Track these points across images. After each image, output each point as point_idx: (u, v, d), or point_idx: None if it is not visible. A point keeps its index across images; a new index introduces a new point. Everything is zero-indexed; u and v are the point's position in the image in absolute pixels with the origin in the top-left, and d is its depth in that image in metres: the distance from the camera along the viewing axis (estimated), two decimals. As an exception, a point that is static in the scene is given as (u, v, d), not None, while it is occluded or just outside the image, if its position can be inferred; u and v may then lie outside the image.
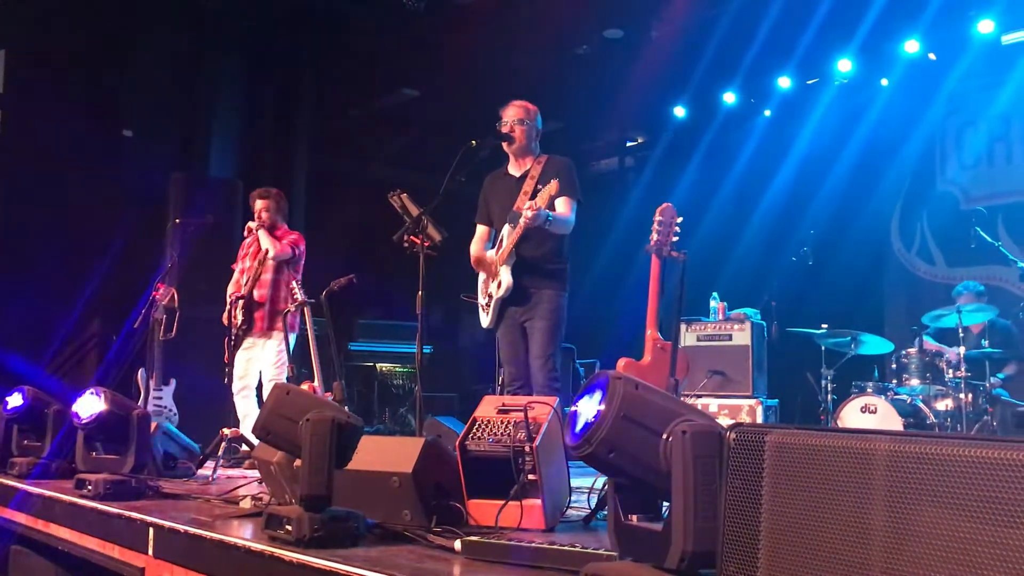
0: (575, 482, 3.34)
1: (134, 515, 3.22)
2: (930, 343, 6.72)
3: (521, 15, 8.28)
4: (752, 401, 6.65)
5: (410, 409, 8.88)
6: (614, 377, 1.93)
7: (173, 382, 7.13)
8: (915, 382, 6.53)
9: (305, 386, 5.39)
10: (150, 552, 3.07)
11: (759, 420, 6.54)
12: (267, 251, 5.97)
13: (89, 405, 3.92)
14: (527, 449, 3.00)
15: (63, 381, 7.62)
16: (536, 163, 4.77)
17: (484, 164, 4.83)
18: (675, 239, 4.38)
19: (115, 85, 8.61)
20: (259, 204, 6.16)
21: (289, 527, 2.57)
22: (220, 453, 5.15)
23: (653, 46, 8.71)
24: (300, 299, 5.73)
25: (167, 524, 3.01)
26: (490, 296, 4.69)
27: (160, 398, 7.02)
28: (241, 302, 5.91)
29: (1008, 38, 7.86)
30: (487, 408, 3.27)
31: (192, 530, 2.89)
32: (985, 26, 7.66)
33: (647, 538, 1.91)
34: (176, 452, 4.75)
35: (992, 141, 8.26)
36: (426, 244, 4.43)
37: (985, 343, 6.53)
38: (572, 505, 3.30)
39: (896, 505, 1.43)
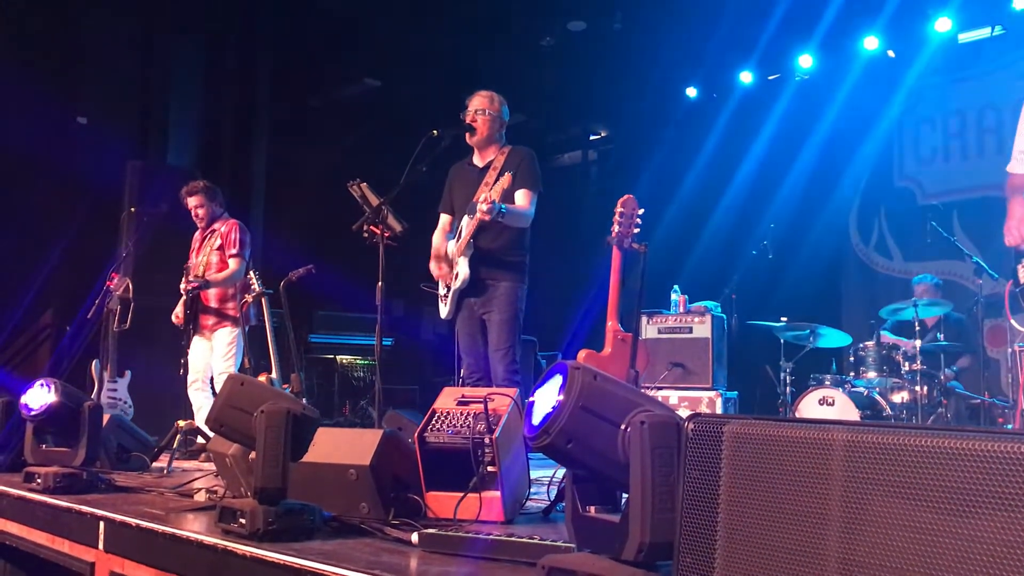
0: (535, 474, 3.33)
1: (84, 509, 3.15)
2: (887, 336, 6.81)
3: (485, 5, 8.24)
4: (712, 393, 6.69)
5: (370, 402, 8.81)
6: (573, 367, 1.91)
7: (128, 374, 7.02)
8: (872, 375, 6.61)
9: (262, 378, 5.33)
10: (100, 546, 3.00)
11: (718, 412, 6.57)
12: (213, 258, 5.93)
13: (39, 397, 3.83)
14: (486, 441, 2.98)
15: (14, 373, 7.47)
16: (500, 154, 4.75)
17: (447, 154, 4.79)
18: (636, 231, 4.38)
19: (69, 71, 8.43)
20: (192, 202, 6.11)
21: (243, 520, 2.52)
22: (175, 445, 5.07)
23: (616, 39, 8.71)
24: (257, 290, 5.66)
25: (118, 518, 2.95)
26: (449, 287, 4.66)
27: (114, 390, 6.90)
28: (191, 296, 5.85)
29: (965, 36, 7.97)
30: (446, 400, 3.24)
31: (144, 524, 2.83)
32: (943, 24, 7.76)
33: (605, 530, 1.90)
34: (130, 444, 4.67)
35: (949, 138, 8.37)
36: (386, 235, 4.39)
37: (940, 336, 6.63)
38: (532, 497, 3.29)
39: (853, 495, 1.43)
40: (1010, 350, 6.41)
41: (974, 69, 7.92)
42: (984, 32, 7.84)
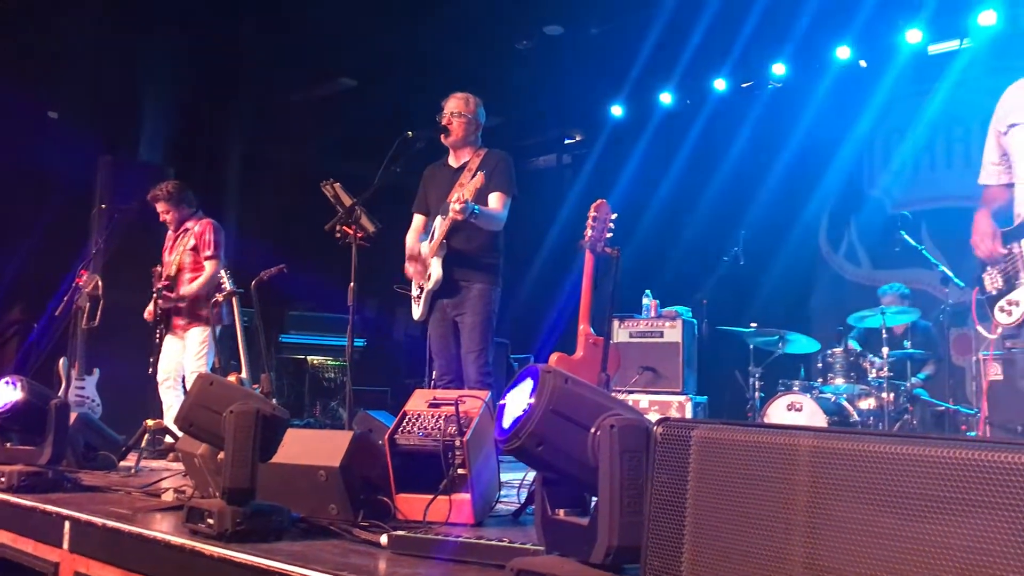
0: (505, 476, 3.34)
1: (49, 508, 3.11)
2: (852, 347, 6.88)
3: (462, 7, 8.24)
4: (682, 397, 6.74)
5: (341, 403, 8.79)
6: (544, 371, 1.92)
7: (96, 371, 6.94)
8: (840, 381, 6.68)
9: (232, 378, 5.30)
10: (65, 546, 2.97)
11: (688, 416, 6.62)
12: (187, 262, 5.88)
13: (4, 394, 3.79)
14: (457, 443, 2.98)
15: (-21, 370, 7.36)
16: (476, 156, 4.75)
17: (422, 155, 4.79)
18: (609, 235, 4.40)
19: (39, 65, 8.32)
20: (160, 208, 6.06)
21: (211, 521, 2.51)
22: (143, 445, 5.02)
23: (592, 44, 8.74)
24: (229, 289, 5.63)
25: (84, 517, 2.92)
26: (422, 288, 4.66)
27: (82, 388, 6.83)
28: (163, 299, 5.81)
29: (935, 48, 8.08)
30: (418, 402, 3.24)
31: (110, 523, 2.80)
32: (913, 36, 7.86)
33: (574, 532, 1.91)
34: (97, 443, 4.62)
35: (918, 149, 8.48)
36: (359, 235, 4.38)
37: (907, 344, 6.71)
38: (502, 499, 3.29)
39: (818, 500, 1.45)
40: (975, 358, 6.51)
41: (943, 81, 8.01)
42: (953, 45, 7.95)
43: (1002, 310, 3.15)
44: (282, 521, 2.61)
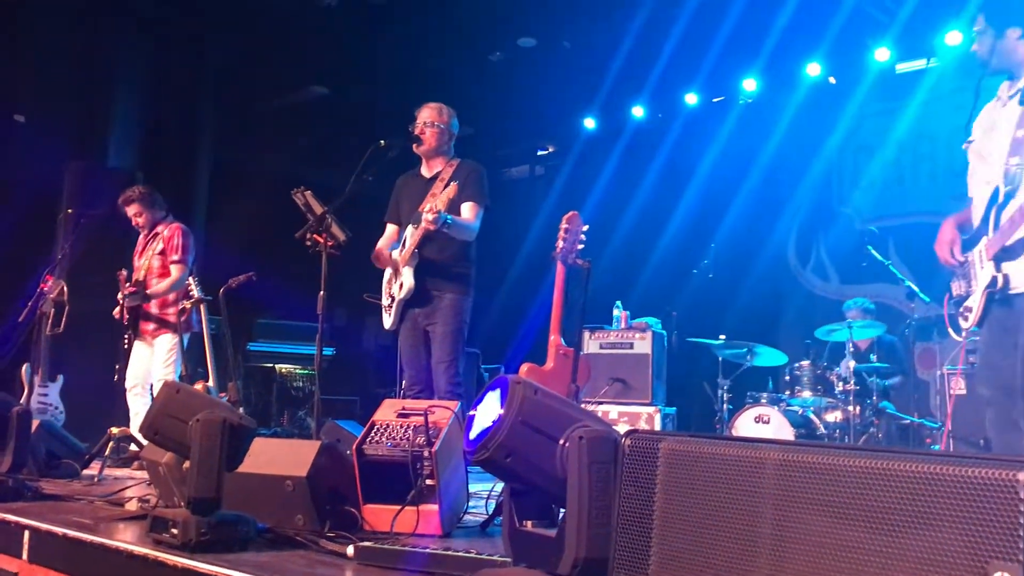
0: (474, 487, 3.33)
1: (8, 517, 3.06)
2: (821, 362, 6.94)
3: (436, 18, 8.25)
4: (651, 409, 6.76)
5: (309, 412, 8.71)
6: (514, 381, 1.93)
7: (60, 378, 6.85)
8: (807, 394, 6.74)
9: (198, 386, 5.25)
10: (24, 556, 2.92)
11: (657, 427, 6.64)
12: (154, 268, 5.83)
13: (-35, 401, 3.72)
14: (426, 454, 2.97)
15: (-60, 376, 7.23)
16: (448, 166, 4.76)
17: (394, 165, 4.78)
18: (581, 247, 4.42)
19: (7, 67, 8.21)
20: (130, 211, 6.02)
21: (175, 530, 2.48)
22: (107, 453, 4.96)
23: (565, 57, 8.78)
24: (196, 296, 5.58)
25: (44, 527, 2.87)
26: (393, 297, 4.64)
27: (45, 395, 6.73)
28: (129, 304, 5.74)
29: (902, 67, 8.21)
30: (387, 412, 3.23)
31: (71, 533, 2.76)
32: (882, 54, 7.98)
33: (541, 544, 1.91)
34: (60, 451, 4.56)
35: (886, 165, 8.59)
36: (329, 243, 4.36)
37: (873, 358, 6.78)
38: (470, 511, 3.29)
39: (784, 513, 1.46)
40: (939, 372, 6.60)
41: (911, 99, 8.14)
42: (920, 63, 8.08)
43: (962, 316, 3.27)
44: (248, 531, 2.59)
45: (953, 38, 7.47)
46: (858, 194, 8.83)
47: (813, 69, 8.36)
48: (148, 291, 5.77)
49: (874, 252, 6.77)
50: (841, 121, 8.66)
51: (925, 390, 7.13)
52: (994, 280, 3.09)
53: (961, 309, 3.30)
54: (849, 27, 7.67)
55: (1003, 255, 3.08)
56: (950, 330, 3.43)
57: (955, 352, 6.27)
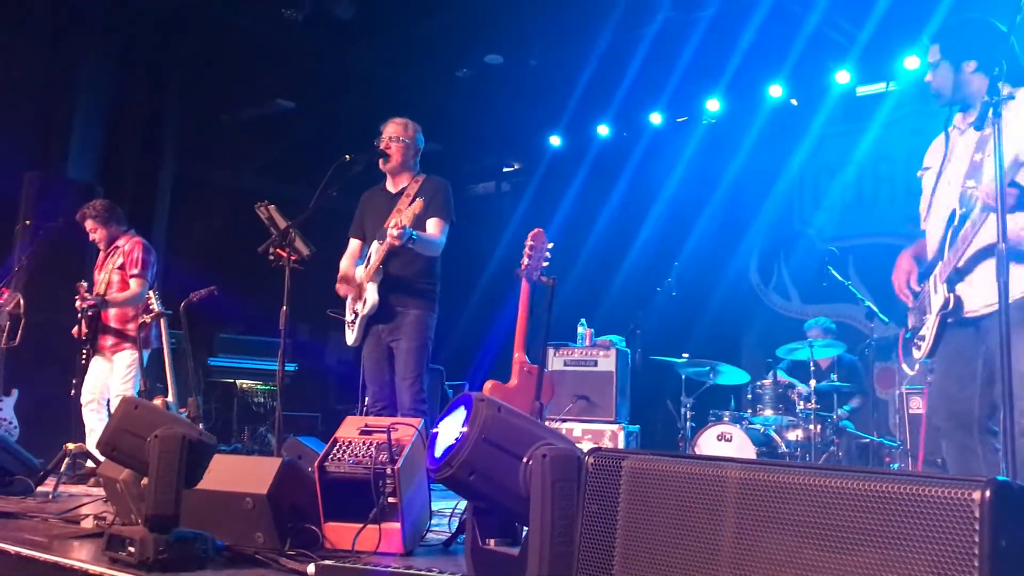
0: (437, 505, 3.32)
1: (-41, 535, 2.99)
2: (782, 377, 7.01)
3: (402, 33, 8.25)
4: (615, 426, 6.78)
5: (270, 428, 8.62)
6: (477, 399, 1.93)
7: (15, 392, 6.71)
8: (769, 412, 6.80)
9: (157, 401, 5.17)
10: (-25, 575, 2.85)
11: (621, 445, 6.66)
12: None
13: (-85, 415, 3.64)
14: (388, 471, 2.95)
15: None
16: (414, 181, 4.74)
17: (359, 179, 4.76)
18: (546, 264, 4.43)
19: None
20: (88, 226, 5.96)
21: (132, 549, 2.44)
22: (63, 469, 4.87)
23: (532, 74, 8.83)
24: (156, 310, 5.51)
25: (-4, 545, 2.81)
26: (356, 313, 4.62)
27: (0, 409, 6.59)
28: (88, 315, 5.66)
29: (863, 90, 8.36)
30: (349, 429, 3.21)
31: (24, 551, 2.70)
32: (842, 77, 8.11)
33: (504, 562, 1.91)
34: (13, 467, 4.48)
35: (847, 186, 8.73)
36: (293, 258, 4.33)
37: (834, 377, 6.86)
38: (433, 529, 3.27)
39: (744, 530, 1.47)
40: (898, 392, 6.69)
41: (871, 121, 8.29)
42: (880, 87, 8.23)
43: (915, 345, 3.29)
44: (206, 549, 2.55)
45: (911, 63, 7.62)
46: (819, 214, 8.95)
47: (775, 91, 8.49)
48: (107, 298, 5.71)
49: (834, 272, 6.86)
50: (803, 142, 8.79)
51: (884, 409, 7.22)
52: (947, 302, 3.10)
53: (917, 339, 3.31)
54: (810, 50, 7.80)
55: (956, 276, 3.11)
56: (903, 365, 3.43)
57: (914, 372, 6.36)
